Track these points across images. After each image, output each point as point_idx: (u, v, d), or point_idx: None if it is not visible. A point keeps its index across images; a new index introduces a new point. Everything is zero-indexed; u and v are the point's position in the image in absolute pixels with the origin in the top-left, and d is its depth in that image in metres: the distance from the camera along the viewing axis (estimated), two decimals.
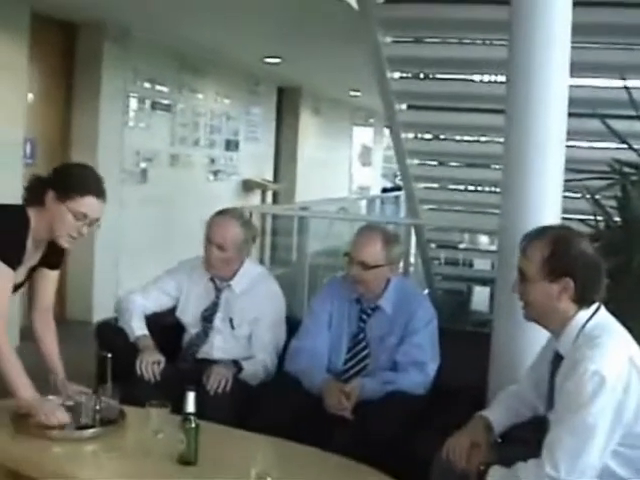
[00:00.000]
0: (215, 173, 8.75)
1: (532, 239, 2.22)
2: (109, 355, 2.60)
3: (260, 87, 9.76)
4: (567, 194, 3.28)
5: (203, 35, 6.72)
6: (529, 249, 2.20)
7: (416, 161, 6.25)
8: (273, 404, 2.87)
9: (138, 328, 3.19)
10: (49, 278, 2.76)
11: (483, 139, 6.23)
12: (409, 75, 5.82)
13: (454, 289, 7.30)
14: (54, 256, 2.70)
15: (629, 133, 3.55)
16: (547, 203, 2.87)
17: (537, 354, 2.44)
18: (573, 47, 2.89)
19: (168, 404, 2.45)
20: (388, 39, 5.17)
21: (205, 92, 8.35)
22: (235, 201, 8.62)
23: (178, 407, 2.36)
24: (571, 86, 2.94)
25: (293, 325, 3.26)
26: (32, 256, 2.60)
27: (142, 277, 3.51)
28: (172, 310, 3.38)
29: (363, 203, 12.14)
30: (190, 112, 8.05)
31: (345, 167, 13.27)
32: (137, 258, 6.64)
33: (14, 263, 2.49)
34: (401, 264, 3.91)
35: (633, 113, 3.45)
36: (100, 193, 2.56)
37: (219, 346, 3.25)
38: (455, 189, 6.82)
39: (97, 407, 2.51)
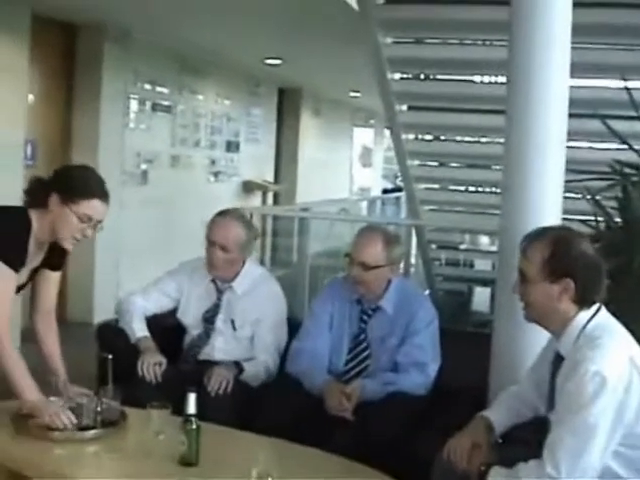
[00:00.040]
0: (216, 174, 8.75)
1: (532, 240, 2.22)
2: (110, 356, 2.60)
3: (260, 88, 9.76)
4: (568, 195, 3.28)
5: (203, 36, 6.72)
6: (529, 250, 2.20)
7: (417, 162, 6.24)
8: (274, 405, 2.87)
9: (139, 329, 3.19)
10: (51, 280, 2.76)
11: (483, 140, 6.22)
12: (409, 76, 5.81)
13: (455, 290, 7.30)
14: (56, 257, 2.70)
15: (630, 134, 3.56)
16: (547, 204, 2.87)
17: (538, 355, 2.43)
18: (573, 48, 2.89)
19: (169, 405, 2.45)
20: (388, 40, 5.16)
21: (206, 93, 8.35)
22: (236, 202, 8.61)
23: (179, 408, 2.36)
24: (571, 87, 2.94)
25: (294, 326, 3.26)
26: (34, 258, 2.60)
27: (143, 278, 3.51)
28: (173, 311, 3.38)
29: (364, 204, 12.17)
30: (191, 113, 8.05)
31: (346, 168, 13.27)
32: (138, 259, 6.64)
33: (16, 265, 2.49)
34: (402, 265, 3.91)
35: (634, 114, 3.46)
36: (104, 195, 2.57)
37: (220, 347, 3.25)
38: (456, 190, 6.81)
39: (98, 408, 2.51)
